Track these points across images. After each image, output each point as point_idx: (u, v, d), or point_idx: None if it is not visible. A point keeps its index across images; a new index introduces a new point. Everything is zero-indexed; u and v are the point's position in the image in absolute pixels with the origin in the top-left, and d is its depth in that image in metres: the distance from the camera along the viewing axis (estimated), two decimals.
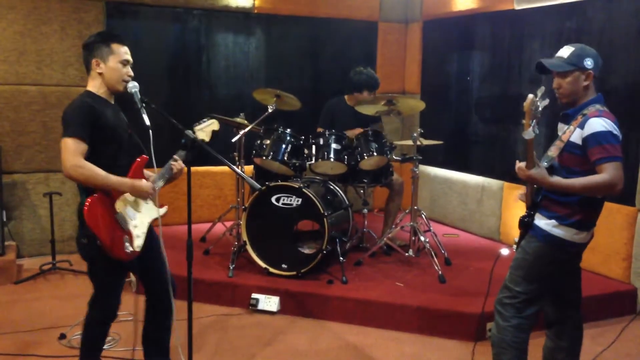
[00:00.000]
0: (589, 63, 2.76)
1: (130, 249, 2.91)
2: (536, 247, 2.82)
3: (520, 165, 2.74)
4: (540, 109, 2.62)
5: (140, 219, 3.00)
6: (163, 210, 3.13)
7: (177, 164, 3.08)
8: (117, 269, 2.97)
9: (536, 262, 2.83)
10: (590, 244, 4.86)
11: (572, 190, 2.69)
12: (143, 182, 2.96)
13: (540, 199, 2.82)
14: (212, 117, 3.44)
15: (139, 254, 2.99)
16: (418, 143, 4.79)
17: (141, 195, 2.97)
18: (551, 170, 2.77)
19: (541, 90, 2.62)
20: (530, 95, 2.61)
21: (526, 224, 2.86)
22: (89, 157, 2.82)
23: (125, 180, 2.91)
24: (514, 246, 2.97)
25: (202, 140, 3.15)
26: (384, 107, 4.82)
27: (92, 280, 3.02)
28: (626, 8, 4.54)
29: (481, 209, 5.95)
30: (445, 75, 6.50)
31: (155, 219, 3.10)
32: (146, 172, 3.19)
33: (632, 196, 4.47)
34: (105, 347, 3.64)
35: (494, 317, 2.97)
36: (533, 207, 2.86)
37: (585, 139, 2.66)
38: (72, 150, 2.77)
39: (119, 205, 2.91)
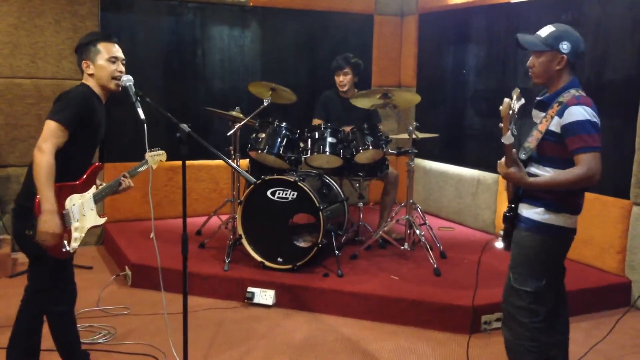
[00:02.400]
0: (564, 47, 2.66)
1: (67, 248, 2.87)
2: (533, 240, 2.74)
3: (500, 162, 2.69)
4: (516, 110, 2.54)
5: (81, 223, 2.97)
6: (102, 221, 3.09)
7: (126, 180, 3.10)
8: (63, 262, 2.97)
9: (538, 255, 2.74)
10: (584, 237, 4.87)
11: (551, 188, 2.64)
12: (55, 223, 2.77)
13: (522, 191, 2.77)
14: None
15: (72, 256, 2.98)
16: (413, 136, 4.79)
17: (42, 226, 2.76)
18: (530, 160, 2.73)
19: (516, 92, 2.54)
20: (507, 100, 2.52)
21: (510, 218, 2.80)
22: (68, 148, 2.80)
23: (53, 205, 2.75)
24: (500, 239, 2.90)
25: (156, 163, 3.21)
26: (379, 100, 4.82)
27: (34, 276, 3.00)
28: (621, 1, 4.54)
29: (476, 202, 5.96)
30: (441, 68, 6.50)
31: (94, 227, 3.06)
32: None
33: (627, 189, 4.48)
34: (100, 340, 3.66)
35: (504, 320, 2.87)
36: (515, 200, 2.80)
37: (564, 128, 2.60)
38: (51, 135, 2.75)
39: (68, 203, 2.89)
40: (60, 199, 2.85)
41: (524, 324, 2.77)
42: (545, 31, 2.71)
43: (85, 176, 2.97)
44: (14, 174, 5.39)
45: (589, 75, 4.77)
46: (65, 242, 2.87)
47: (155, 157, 3.35)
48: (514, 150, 2.64)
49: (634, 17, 4.45)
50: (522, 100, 2.55)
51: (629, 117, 4.44)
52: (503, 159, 2.68)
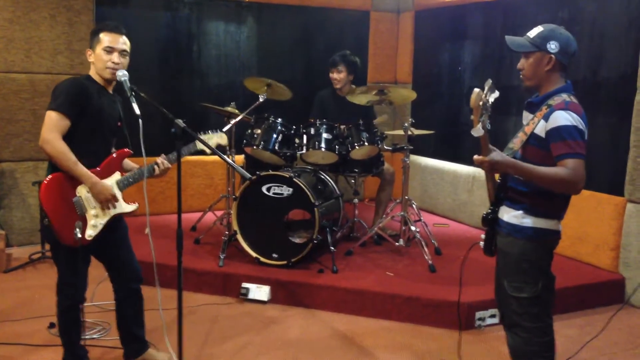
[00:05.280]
0: (552, 47, 2.54)
1: (79, 235, 2.89)
2: (516, 245, 2.64)
3: (476, 157, 2.53)
4: (490, 102, 2.43)
5: (101, 210, 3.01)
6: (132, 207, 3.13)
7: (161, 165, 3.11)
8: (77, 252, 2.97)
9: (525, 260, 2.63)
10: (579, 233, 4.88)
11: (532, 177, 2.49)
12: (104, 185, 2.96)
13: (502, 194, 2.69)
14: (221, 131, 3.44)
15: (95, 243, 3.00)
16: (409, 133, 4.79)
17: (97, 196, 2.97)
18: None
19: (488, 84, 2.43)
20: (476, 90, 2.38)
21: (490, 221, 2.72)
22: (74, 137, 2.88)
23: (90, 175, 2.93)
24: (481, 243, 2.80)
25: (196, 133, 3.18)
26: (375, 96, 4.82)
27: (55, 264, 3.06)
28: None
29: (472, 199, 5.97)
30: (437, 65, 6.50)
31: (122, 214, 3.11)
32: (131, 164, 3.19)
33: (621, 186, 4.49)
34: (95, 336, 3.66)
35: (507, 328, 2.79)
36: (496, 203, 2.72)
37: (549, 133, 2.48)
38: (52, 124, 2.85)
39: (81, 190, 2.93)
40: (72, 186, 2.91)
41: (530, 330, 2.68)
42: (534, 32, 2.61)
43: (105, 163, 3.01)
44: (8, 169, 5.37)
45: (584, 73, 4.77)
46: (78, 230, 2.89)
47: (210, 141, 3.31)
48: (489, 145, 2.52)
49: (629, 14, 4.46)
50: (497, 93, 2.45)
51: (624, 115, 4.44)
52: (476, 156, 2.54)
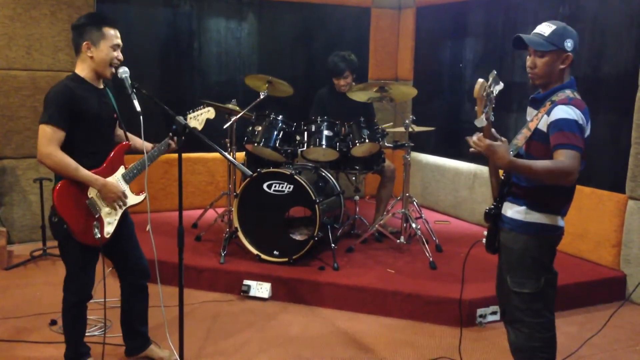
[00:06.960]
0: (569, 45, 2.54)
1: (99, 235, 2.92)
2: (519, 241, 2.64)
3: (479, 135, 2.48)
4: (494, 94, 2.42)
5: (112, 206, 3.02)
6: (141, 198, 3.13)
7: (170, 143, 3.12)
8: (87, 250, 2.98)
9: (528, 255, 2.64)
10: (580, 230, 4.88)
11: (529, 172, 2.48)
12: (112, 185, 2.96)
13: (506, 190, 2.68)
14: (208, 105, 3.43)
15: (109, 240, 3.01)
16: (410, 130, 4.79)
17: (107, 197, 2.96)
18: (517, 158, 2.59)
19: (492, 75, 2.42)
20: (480, 80, 2.40)
21: (493, 216, 2.72)
22: (65, 141, 2.86)
23: (96, 178, 2.91)
24: (483, 240, 2.80)
25: (194, 128, 3.16)
26: (376, 93, 4.81)
27: (63, 260, 3.07)
28: None
29: (473, 196, 5.97)
30: (438, 62, 6.49)
31: (132, 206, 3.12)
32: (141, 141, 3.15)
33: (622, 183, 4.49)
34: (96, 333, 3.66)
35: (508, 324, 2.80)
36: (500, 199, 2.72)
37: (549, 125, 2.49)
38: (47, 138, 2.83)
39: (92, 191, 2.93)
40: (83, 188, 2.91)
41: (532, 325, 2.68)
42: (546, 29, 2.58)
43: (108, 159, 3.00)
44: (9, 166, 5.37)
45: (585, 69, 4.76)
46: (97, 230, 2.91)
47: (200, 117, 3.29)
48: (494, 129, 2.51)
49: (631, 11, 4.45)
50: (501, 85, 2.43)
51: (625, 111, 4.44)
52: (480, 134, 2.51)
